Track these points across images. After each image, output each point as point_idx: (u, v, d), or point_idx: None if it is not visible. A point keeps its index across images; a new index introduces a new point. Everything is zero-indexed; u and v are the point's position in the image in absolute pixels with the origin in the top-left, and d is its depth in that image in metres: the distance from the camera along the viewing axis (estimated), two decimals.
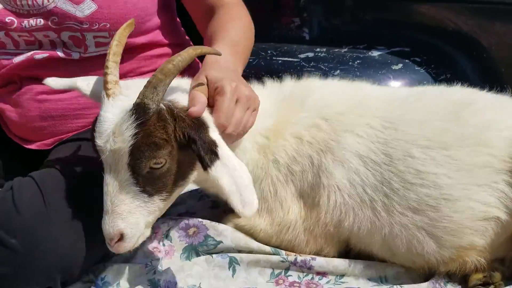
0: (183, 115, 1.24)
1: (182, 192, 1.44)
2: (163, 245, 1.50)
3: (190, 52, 1.24)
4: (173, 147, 1.23)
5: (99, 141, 1.24)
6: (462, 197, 1.32)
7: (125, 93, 1.28)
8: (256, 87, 1.54)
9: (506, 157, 1.32)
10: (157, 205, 1.27)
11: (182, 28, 1.91)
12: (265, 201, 1.46)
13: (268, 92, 1.52)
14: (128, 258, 1.50)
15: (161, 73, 1.19)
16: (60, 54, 1.62)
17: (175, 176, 1.27)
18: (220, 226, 1.50)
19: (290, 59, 2.10)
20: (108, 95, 1.26)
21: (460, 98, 1.45)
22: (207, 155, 1.21)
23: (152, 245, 1.51)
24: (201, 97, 1.27)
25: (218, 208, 1.69)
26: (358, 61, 1.97)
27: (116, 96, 1.26)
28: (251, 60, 1.87)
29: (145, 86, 1.20)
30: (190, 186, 1.85)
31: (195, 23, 1.77)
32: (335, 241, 1.45)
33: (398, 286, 1.39)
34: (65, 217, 1.35)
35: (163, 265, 1.46)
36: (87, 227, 1.37)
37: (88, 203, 1.38)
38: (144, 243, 1.48)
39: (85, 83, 1.39)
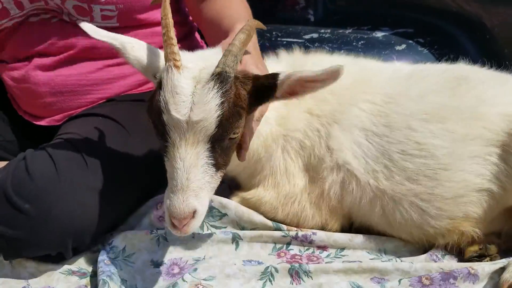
0: (246, 78, 1.23)
1: None
2: None
3: (254, 23, 1.25)
4: (246, 116, 1.23)
5: (176, 114, 1.15)
6: (456, 168, 1.36)
7: (191, 66, 1.22)
8: (271, 60, 1.59)
9: (499, 131, 1.36)
10: (218, 180, 1.24)
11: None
12: (273, 177, 1.49)
13: (284, 64, 1.55)
14: (134, 226, 1.55)
15: (239, 42, 1.18)
16: (66, 18, 1.62)
17: (233, 150, 1.27)
18: (224, 200, 1.54)
19: (294, 40, 2.12)
20: (177, 67, 1.18)
21: (459, 74, 1.48)
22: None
23: (158, 214, 1.54)
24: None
25: (223, 184, 1.72)
26: (362, 42, 1.98)
27: (185, 68, 1.19)
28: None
29: (224, 55, 1.17)
30: None
31: (186, 4, 1.76)
32: (339, 214, 1.49)
33: (397, 258, 1.43)
34: (77, 185, 1.39)
35: (167, 233, 1.49)
36: (98, 196, 1.42)
37: (100, 172, 1.42)
38: (150, 214, 1.54)
39: (129, 46, 1.33)
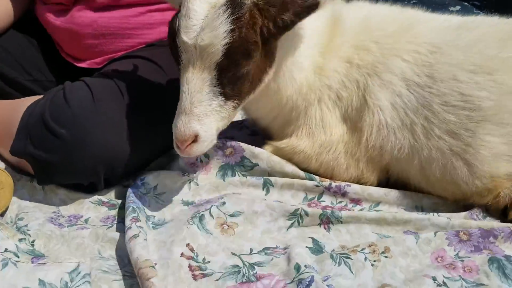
0: (267, 6, 1.19)
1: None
2: (200, 161, 1.52)
3: None
4: (259, 51, 1.21)
5: (185, 37, 1.17)
6: (500, 120, 1.27)
7: None
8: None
9: None
10: (229, 111, 1.25)
11: None
12: (308, 127, 1.45)
13: (323, 11, 1.48)
14: (165, 167, 1.55)
15: None
16: None
17: (249, 83, 1.27)
18: (256, 150, 1.50)
19: None
20: None
21: (509, 28, 1.38)
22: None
23: (189, 161, 1.53)
24: None
25: (257, 136, 1.70)
26: (414, 1, 1.90)
27: None
28: None
29: None
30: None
31: None
32: (376, 166, 1.43)
33: (435, 213, 1.35)
34: (112, 115, 1.41)
35: (198, 178, 1.49)
36: (133, 129, 1.43)
37: (135, 108, 1.43)
38: (180, 158, 1.52)
39: None
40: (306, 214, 1.33)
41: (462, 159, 1.30)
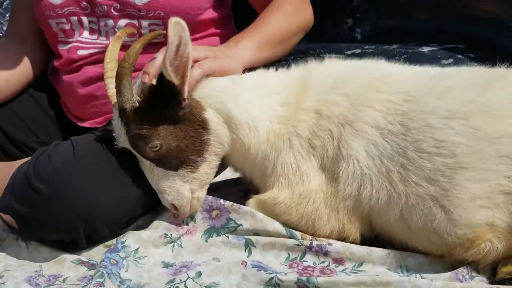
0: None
1: (215, 175, 1.56)
2: (187, 224, 1.53)
3: (134, 46, 1.35)
4: (158, 130, 1.38)
5: (118, 143, 1.46)
6: (478, 166, 1.23)
7: None
8: (281, 69, 1.58)
9: None
10: (188, 175, 1.44)
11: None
12: (286, 176, 1.44)
13: (291, 72, 1.55)
14: (149, 224, 1.55)
15: (116, 78, 1.34)
16: None
17: (182, 152, 1.41)
18: (242, 209, 1.50)
19: (336, 55, 2.07)
20: (113, 106, 1.45)
21: (495, 73, 1.37)
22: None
23: (176, 222, 1.54)
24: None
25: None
26: (406, 56, 1.89)
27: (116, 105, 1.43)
28: (299, 58, 1.86)
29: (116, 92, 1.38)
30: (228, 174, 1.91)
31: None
32: (356, 218, 1.40)
33: (418, 275, 1.28)
34: (92, 171, 1.43)
35: (182, 241, 1.48)
36: (113, 184, 1.44)
37: (118, 164, 1.46)
38: (166, 219, 1.53)
39: None
40: (281, 281, 1.28)
41: (440, 206, 1.25)
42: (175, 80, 1.33)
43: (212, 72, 1.45)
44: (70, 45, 1.76)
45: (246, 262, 1.36)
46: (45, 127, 1.89)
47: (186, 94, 1.37)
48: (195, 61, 1.42)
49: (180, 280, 1.32)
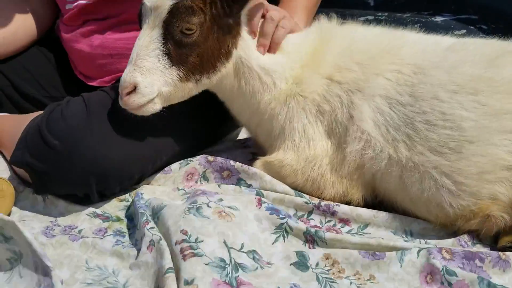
0: None
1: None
2: (200, 183, 1.57)
3: None
4: (205, 19, 1.35)
5: (145, 1, 1.35)
6: (484, 141, 1.26)
7: None
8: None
9: None
10: (174, 78, 1.36)
11: None
12: (292, 139, 1.47)
13: (309, 32, 1.56)
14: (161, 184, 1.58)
15: None
16: None
17: (198, 58, 1.38)
18: (250, 170, 1.53)
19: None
20: None
21: (505, 47, 1.37)
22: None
23: (189, 184, 1.58)
24: None
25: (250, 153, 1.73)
26: (419, 25, 1.88)
27: None
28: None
29: None
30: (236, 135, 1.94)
31: None
32: (360, 182, 1.43)
33: (422, 240, 1.33)
34: (104, 127, 1.45)
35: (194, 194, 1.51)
36: (124, 141, 1.47)
37: (128, 121, 1.46)
38: (181, 181, 1.57)
39: None
40: (291, 229, 1.32)
41: (446, 177, 1.29)
42: None
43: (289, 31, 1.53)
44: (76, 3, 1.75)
45: (260, 204, 1.38)
46: (55, 81, 1.91)
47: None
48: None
49: (202, 202, 1.35)
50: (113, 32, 1.74)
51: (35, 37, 1.91)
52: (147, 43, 1.33)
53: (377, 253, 1.25)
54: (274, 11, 1.51)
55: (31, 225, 1.43)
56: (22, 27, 1.86)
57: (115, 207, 1.52)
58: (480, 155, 1.25)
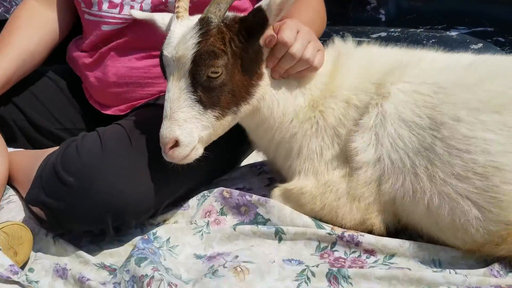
0: (232, 21, 1.36)
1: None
2: (220, 216, 1.55)
3: None
4: (228, 58, 1.34)
5: (165, 51, 1.35)
6: None
7: (192, 18, 1.40)
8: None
9: None
10: (211, 120, 1.36)
11: None
12: (311, 162, 1.45)
13: (331, 50, 1.53)
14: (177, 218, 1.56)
15: None
16: None
17: (229, 94, 1.37)
18: (268, 203, 1.50)
19: (361, 39, 2.03)
20: (178, 17, 1.39)
21: None
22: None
23: (204, 212, 1.55)
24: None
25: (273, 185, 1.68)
26: (433, 40, 1.85)
27: (186, 18, 1.40)
28: (322, 41, 1.85)
29: (209, 3, 1.32)
30: (250, 159, 1.91)
31: None
32: (378, 208, 1.39)
33: (451, 270, 1.28)
34: (120, 163, 1.43)
35: (210, 229, 1.49)
36: (141, 176, 1.44)
37: (145, 156, 1.45)
38: (198, 216, 1.54)
39: (160, 17, 1.52)
40: (313, 274, 1.28)
41: (472, 203, 1.23)
42: (271, 19, 1.35)
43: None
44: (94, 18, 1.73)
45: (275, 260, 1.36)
46: (68, 113, 1.89)
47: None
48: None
49: (219, 264, 1.32)
50: (130, 60, 1.73)
51: (55, 45, 1.87)
52: (178, 95, 1.32)
53: None
54: (296, 42, 1.42)
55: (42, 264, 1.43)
56: (45, 36, 1.82)
57: (124, 255, 1.46)
58: (510, 183, 1.20)
